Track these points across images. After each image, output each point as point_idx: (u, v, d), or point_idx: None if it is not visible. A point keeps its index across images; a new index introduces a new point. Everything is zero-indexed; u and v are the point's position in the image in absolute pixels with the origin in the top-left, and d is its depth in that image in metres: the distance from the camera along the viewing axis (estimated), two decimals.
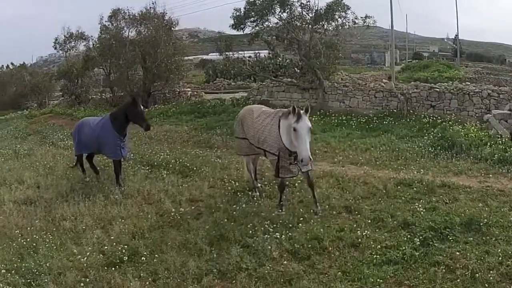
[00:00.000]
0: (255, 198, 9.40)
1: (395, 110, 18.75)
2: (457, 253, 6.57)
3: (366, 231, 7.39)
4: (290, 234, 7.50)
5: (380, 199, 9.00)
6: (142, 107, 11.12)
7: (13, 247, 7.86)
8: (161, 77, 29.49)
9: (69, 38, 35.74)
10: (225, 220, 8.19)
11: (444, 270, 6.16)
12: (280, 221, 8.01)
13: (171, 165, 12.63)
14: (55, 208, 9.82)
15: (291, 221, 8.02)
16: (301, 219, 8.09)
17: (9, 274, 6.85)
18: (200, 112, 23.12)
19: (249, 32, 22.38)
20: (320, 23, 21.38)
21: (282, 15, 21.58)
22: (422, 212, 7.98)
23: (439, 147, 12.88)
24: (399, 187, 9.63)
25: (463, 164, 11.53)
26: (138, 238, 7.87)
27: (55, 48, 36.76)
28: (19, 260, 7.32)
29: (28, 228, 8.69)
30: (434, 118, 16.65)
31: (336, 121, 18.38)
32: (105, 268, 6.92)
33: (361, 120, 17.38)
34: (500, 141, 12.94)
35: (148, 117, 13.45)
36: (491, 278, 5.87)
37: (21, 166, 14.83)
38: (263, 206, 8.93)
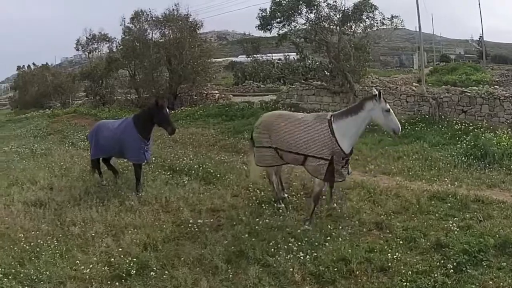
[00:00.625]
0: (280, 211, 8.85)
1: (426, 116, 18.25)
2: (490, 281, 6.13)
3: (397, 253, 6.86)
4: (315, 254, 6.97)
5: (413, 215, 8.49)
6: (167, 109, 10.80)
7: (14, 251, 7.63)
8: (188, 79, 29.34)
9: (92, 40, 36.22)
10: (246, 235, 7.68)
11: None
12: (306, 238, 7.47)
13: (193, 171, 12.22)
14: (65, 211, 9.60)
15: (318, 238, 7.50)
16: (328, 237, 7.58)
17: (6, 279, 6.65)
18: (227, 115, 22.86)
19: (276, 33, 22.13)
20: (348, 24, 21.06)
21: (309, 16, 21.28)
22: (456, 232, 7.46)
23: (471, 156, 12.42)
24: (432, 201, 9.13)
25: (496, 176, 11.05)
26: (150, 250, 7.43)
27: (77, 49, 37.70)
28: (19, 265, 7.10)
29: (33, 232, 8.46)
30: (466, 125, 16.16)
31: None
32: (110, 281, 6.58)
33: None
34: None
35: (174, 119, 13.17)
36: None
37: (36, 166, 14.81)
38: (288, 220, 8.41)
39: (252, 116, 21.33)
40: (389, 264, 6.58)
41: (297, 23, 21.56)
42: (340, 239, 7.42)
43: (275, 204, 9.17)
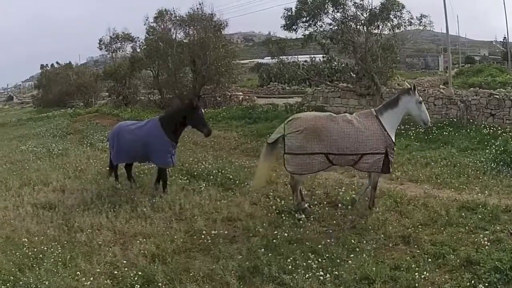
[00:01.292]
0: (301, 222, 8.35)
1: (454, 119, 17.82)
2: None
3: (424, 272, 6.30)
4: (336, 272, 6.40)
5: (441, 227, 7.91)
6: (202, 110, 10.52)
7: (16, 256, 7.34)
8: (211, 80, 29.16)
9: (115, 39, 36.40)
10: (262, 249, 7.14)
11: None
12: (327, 254, 6.93)
13: (212, 176, 11.75)
14: (74, 216, 9.24)
15: (340, 254, 6.95)
16: (352, 252, 7.06)
17: (3, 287, 6.41)
18: (251, 118, 22.59)
19: (301, 33, 22.02)
20: (375, 23, 20.74)
21: (335, 15, 21.05)
22: (486, 247, 6.90)
23: (501, 163, 11.86)
24: (462, 212, 8.53)
25: None
26: (158, 263, 6.93)
27: (100, 49, 38.07)
28: (19, 272, 6.77)
29: (37, 238, 8.11)
30: (494, 129, 15.72)
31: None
32: None
33: (420, 130, 16.17)
34: None
35: None
36: None
37: (51, 166, 14.59)
38: (308, 232, 7.89)
39: (276, 119, 21.06)
40: (416, 284, 6.03)
41: (323, 22, 21.33)
42: (364, 255, 6.86)
43: (296, 215, 8.67)
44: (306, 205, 9.05)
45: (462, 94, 18.95)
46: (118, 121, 27.18)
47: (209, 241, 7.63)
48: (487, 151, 13.11)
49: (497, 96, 17.40)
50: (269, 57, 30.06)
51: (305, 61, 39.05)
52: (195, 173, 12.19)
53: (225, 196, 10.13)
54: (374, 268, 6.35)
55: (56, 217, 9.24)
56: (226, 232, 8.03)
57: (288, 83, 37.46)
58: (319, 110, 20.94)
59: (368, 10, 20.44)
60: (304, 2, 20.86)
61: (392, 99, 9.09)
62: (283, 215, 8.70)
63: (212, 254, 7.19)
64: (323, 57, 29.55)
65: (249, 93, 32.34)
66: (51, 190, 11.41)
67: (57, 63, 59.57)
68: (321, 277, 6.23)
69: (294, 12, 21.22)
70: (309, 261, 6.64)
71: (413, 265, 6.54)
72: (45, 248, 7.51)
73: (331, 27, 21.37)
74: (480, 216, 8.22)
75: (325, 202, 9.42)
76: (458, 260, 6.59)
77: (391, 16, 20.25)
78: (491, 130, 15.58)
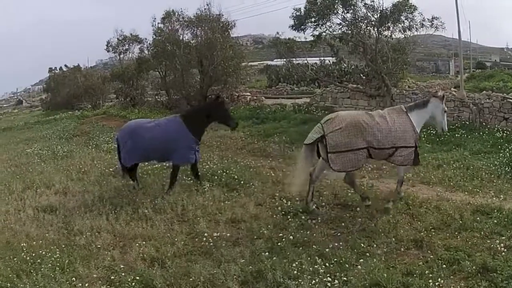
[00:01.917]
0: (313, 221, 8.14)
1: (466, 122, 17.49)
2: None
3: (438, 279, 6.01)
4: (345, 277, 6.11)
5: (455, 232, 7.62)
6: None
7: (14, 262, 7.18)
8: (219, 80, 28.78)
9: (123, 41, 36.39)
10: (267, 252, 6.85)
11: None
12: (335, 259, 6.62)
13: (216, 177, 11.47)
14: (74, 219, 9.03)
15: (349, 258, 6.65)
16: (361, 256, 6.77)
17: None
18: (258, 118, 22.34)
19: (310, 34, 21.51)
20: (386, 24, 20.21)
21: (345, 16, 20.60)
22: (503, 253, 6.61)
23: None
24: (476, 216, 8.24)
25: None
26: (157, 267, 6.68)
27: (108, 51, 37.91)
28: (16, 278, 6.64)
29: (36, 242, 7.93)
30: (508, 133, 15.46)
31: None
32: None
33: (432, 131, 15.82)
34: None
35: None
36: None
37: (55, 168, 14.46)
38: (315, 235, 7.59)
39: (283, 119, 20.94)
40: None
41: (333, 23, 20.89)
42: (375, 260, 6.56)
43: (312, 210, 8.66)
44: (314, 206, 8.86)
45: (474, 97, 18.61)
46: (125, 123, 27.40)
47: (211, 243, 7.37)
48: (500, 154, 12.90)
49: (511, 100, 17.05)
50: (278, 59, 29.90)
51: (315, 63, 38.80)
52: (200, 173, 11.84)
53: (229, 197, 9.87)
54: (385, 274, 6.09)
55: (57, 220, 9.11)
56: (229, 234, 7.78)
57: (296, 84, 37.13)
58: (328, 110, 20.82)
59: (379, 11, 20.01)
60: (314, 2, 20.45)
61: (422, 100, 9.65)
62: (289, 216, 8.45)
63: (214, 258, 6.93)
64: (332, 57, 29.22)
65: (257, 94, 32.03)
66: (53, 193, 11.28)
67: (66, 66, 59.58)
68: (329, 283, 5.97)
69: (303, 12, 20.85)
70: (316, 266, 6.37)
71: (426, 271, 6.26)
72: (44, 253, 7.36)
73: (340, 27, 21.00)
74: (495, 221, 7.96)
75: (333, 204, 9.16)
76: (474, 267, 6.32)
77: (402, 17, 19.83)
78: (504, 134, 15.33)
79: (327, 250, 6.88)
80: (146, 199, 9.81)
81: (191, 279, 6.23)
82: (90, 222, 8.69)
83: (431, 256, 6.72)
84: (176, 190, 10.34)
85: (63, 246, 7.68)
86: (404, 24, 20.04)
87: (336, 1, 20.04)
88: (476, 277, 6.10)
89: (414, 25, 19.99)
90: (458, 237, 7.38)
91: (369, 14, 20.20)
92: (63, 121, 33.76)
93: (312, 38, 21.64)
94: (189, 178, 11.40)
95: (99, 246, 7.61)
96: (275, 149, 15.60)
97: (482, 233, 7.47)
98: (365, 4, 20.08)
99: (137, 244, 7.49)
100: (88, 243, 7.76)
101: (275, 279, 6.06)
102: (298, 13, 21.04)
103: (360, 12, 20.30)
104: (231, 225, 8.32)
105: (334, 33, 21.33)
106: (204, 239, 7.51)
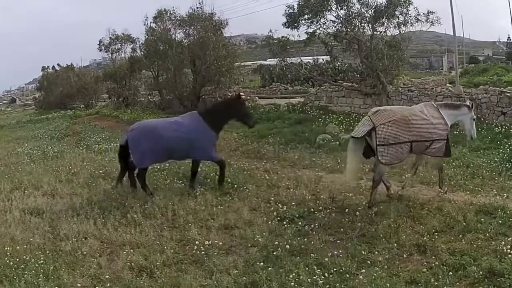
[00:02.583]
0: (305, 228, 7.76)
1: None
2: None
3: (445, 286, 5.75)
4: None
5: (459, 234, 7.35)
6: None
7: None
8: (211, 80, 28.61)
9: (115, 40, 36.25)
10: (261, 262, 6.47)
11: None
12: (335, 268, 6.24)
13: (209, 180, 11.18)
14: (61, 223, 8.64)
15: (349, 267, 6.29)
16: (362, 264, 6.44)
17: None
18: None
19: (304, 31, 21.42)
20: (380, 20, 20.12)
21: (339, 13, 20.52)
22: (509, 255, 6.35)
23: None
24: (479, 216, 7.98)
25: None
26: (145, 276, 6.32)
27: (100, 50, 37.78)
28: None
29: (18, 247, 7.48)
30: (506, 127, 15.43)
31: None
32: None
33: None
34: None
35: None
36: None
37: (44, 169, 14.08)
38: (313, 242, 7.22)
39: (277, 120, 20.70)
40: None
41: (326, 20, 20.76)
42: (376, 268, 6.23)
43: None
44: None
45: (471, 92, 18.56)
46: (117, 123, 27.13)
47: (203, 252, 6.99)
48: (500, 150, 12.79)
49: (508, 94, 17.01)
50: (272, 59, 29.64)
51: (308, 62, 38.57)
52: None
53: (222, 201, 9.49)
54: (388, 284, 5.79)
55: (43, 223, 8.71)
56: (221, 242, 7.38)
57: (290, 83, 36.94)
58: (323, 110, 20.63)
59: (374, 7, 19.93)
60: None
61: (454, 103, 10.29)
62: (284, 222, 8.11)
63: (206, 267, 6.56)
64: (326, 55, 28.97)
65: (251, 94, 31.70)
66: (41, 194, 10.88)
67: (58, 65, 59.00)
68: None
69: (296, 9, 20.68)
70: (314, 277, 5.99)
71: (431, 279, 5.96)
72: (28, 258, 6.96)
73: (334, 24, 20.84)
74: (499, 221, 7.72)
75: (331, 207, 8.82)
76: (480, 272, 6.02)
77: (397, 12, 19.68)
78: (503, 129, 15.25)
79: (326, 259, 6.52)
80: (135, 203, 9.42)
81: None
82: (77, 226, 8.31)
83: (436, 262, 6.40)
84: (167, 194, 9.98)
85: (48, 251, 7.27)
86: (399, 19, 19.96)
87: None
88: (483, 283, 5.85)
89: (409, 20, 19.93)
90: (463, 240, 7.12)
91: (363, 10, 20.24)
92: (56, 121, 33.46)
93: (305, 36, 21.56)
94: (181, 181, 11.14)
95: (85, 252, 7.22)
96: (269, 151, 15.28)
97: (486, 234, 7.25)
98: (359, 0, 20.03)
99: (124, 252, 7.11)
100: (74, 249, 7.36)
101: None
102: (291, 10, 20.93)
103: (354, 8, 20.33)
104: (224, 232, 7.97)
105: (328, 30, 21.21)
106: (196, 247, 7.12)
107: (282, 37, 22.70)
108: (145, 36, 32.30)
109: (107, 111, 33.55)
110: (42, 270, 6.56)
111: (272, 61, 37.85)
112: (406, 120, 8.84)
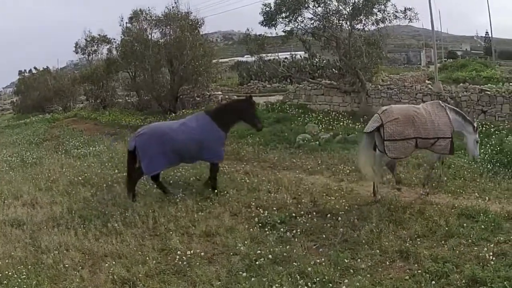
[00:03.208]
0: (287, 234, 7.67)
1: None
2: None
3: None
4: None
5: (441, 239, 7.32)
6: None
7: None
8: (189, 80, 28.34)
9: (91, 42, 35.93)
10: (244, 272, 6.38)
11: None
12: (317, 277, 6.17)
13: (189, 184, 11.11)
14: (42, 234, 8.52)
15: (332, 275, 6.22)
16: (344, 272, 6.39)
17: None
18: None
19: (281, 30, 21.24)
20: (358, 17, 20.03)
21: (316, 10, 20.42)
22: (492, 262, 6.33)
23: (497, 164, 11.60)
24: (461, 220, 7.99)
25: None
26: None
27: (77, 52, 37.51)
28: None
29: (0, 262, 7.38)
30: (487, 126, 15.39)
31: None
32: None
33: None
34: None
35: None
36: None
37: (23, 177, 13.85)
38: (295, 250, 7.12)
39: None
40: None
41: (304, 18, 20.63)
42: (359, 276, 6.19)
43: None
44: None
45: (451, 90, 18.59)
46: (95, 125, 26.88)
47: (185, 262, 6.88)
48: (482, 151, 12.51)
49: (489, 92, 17.00)
50: (249, 55, 29.43)
51: (286, 58, 38.38)
52: (171, 181, 11.45)
53: (202, 207, 9.38)
54: None
55: (24, 235, 8.58)
56: (203, 253, 7.23)
57: (268, 81, 36.72)
58: (302, 108, 20.46)
59: (351, 4, 19.81)
60: None
61: (464, 115, 9.89)
62: (266, 228, 8.01)
63: (188, 278, 6.48)
64: (304, 52, 28.91)
65: (229, 92, 31.53)
66: (21, 204, 10.71)
67: (35, 68, 58.19)
68: None
69: (273, 7, 20.45)
70: (297, 287, 5.94)
71: (413, 286, 5.93)
72: (10, 273, 6.85)
73: (312, 22, 20.72)
74: (482, 226, 7.69)
75: (312, 212, 8.71)
76: (463, 280, 5.99)
77: (375, 10, 19.64)
78: (483, 128, 15.09)
79: (309, 268, 6.43)
80: (115, 211, 9.32)
81: None
82: (58, 238, 8.17)
83: (419, 270, 6.33)
84: (147, 201, 9.88)
85: (30, 265, 7.15)
86: (377, 16, 19.93)
87: None
88: None
89: (387, 17, 19.89)
90: (445, 245, 7.08)
91: (340, 7, 20.08)
92: (34, 125, 33.01)
93: (283, 34, 21.31)
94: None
95: (67, 265, 7.10)
96: (249, 152, 15.15)
97: (469, 240, 7.22)
98: None
99: (106, 264, 7.00)
100: (56, 262, 7.24)
101: None
102: (268, 9, 20.64)
103: (331, 5, 20.16)
104: (205, 239, 7.87)
105: (306, 28, 21.03)
106: (178, 256, 7.02)
107: (260, 35, 22.47)
108: (121, 37, 31.99)
109: (85, 113, 33.27)
110: (25, 285, 6.47)
111: (249, 58, 37.60)
112: (412, 118, 9.25)
